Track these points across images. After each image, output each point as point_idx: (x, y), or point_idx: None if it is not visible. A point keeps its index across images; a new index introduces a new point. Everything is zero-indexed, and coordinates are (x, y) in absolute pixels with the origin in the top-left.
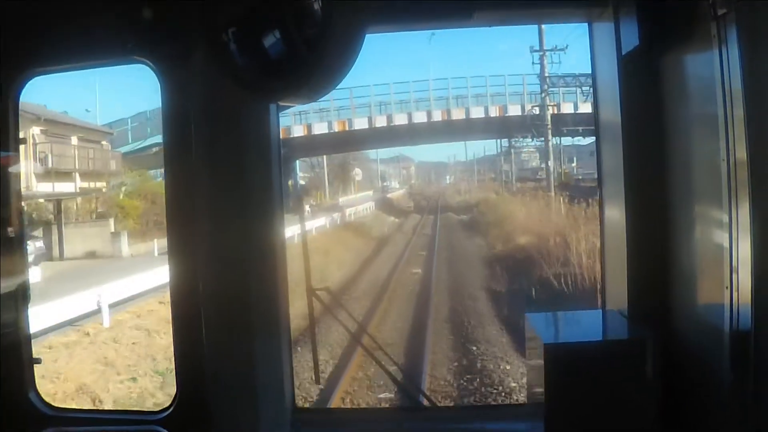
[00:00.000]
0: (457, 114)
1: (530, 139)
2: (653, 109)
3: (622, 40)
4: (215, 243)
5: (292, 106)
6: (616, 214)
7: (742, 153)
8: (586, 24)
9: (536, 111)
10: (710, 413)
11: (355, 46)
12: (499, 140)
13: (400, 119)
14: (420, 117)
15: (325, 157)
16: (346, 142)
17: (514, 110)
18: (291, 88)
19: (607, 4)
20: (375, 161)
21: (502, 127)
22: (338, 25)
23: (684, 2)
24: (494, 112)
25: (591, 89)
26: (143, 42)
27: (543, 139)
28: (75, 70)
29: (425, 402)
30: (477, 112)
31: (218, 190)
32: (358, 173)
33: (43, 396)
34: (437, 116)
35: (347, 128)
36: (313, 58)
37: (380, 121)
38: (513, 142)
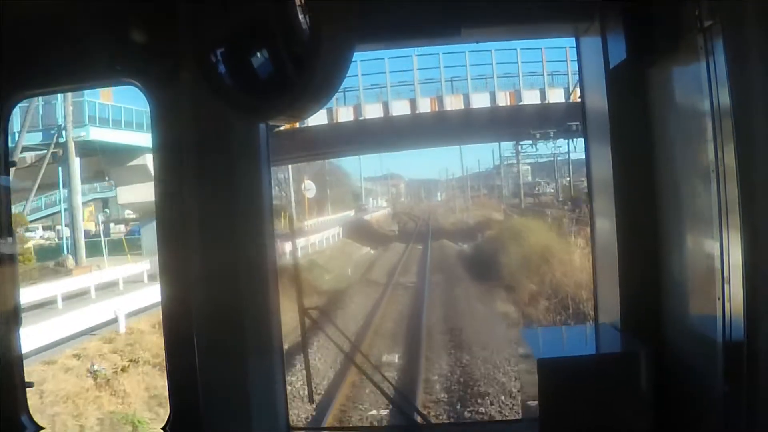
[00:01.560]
0: (453, 103)
1: (550, 139)
2: (642, 121)
3: (610, 54)
4: (206, 263)
5: (282, 125)
6: (607, 227)
7: (731, 163)
8: (574, 39)
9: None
10: (704, 425)
11: (343, 64)
12: (508, 142)
13: (372, 111)
14: (400, 107)
15: (291, 171)
16: (292, 145)
17: (530, 97)
18: (280, 108)
19: (593, 18)
20: (358, 178)
21: (515, 122)
22: (326, 43)
23: (670, 15)
24: (504, 100)
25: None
26: (132, 63)
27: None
28: (64, 92)
29: (419, 420)
30: (480, 100)
31: (208, 210)
32: (309, 188)
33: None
34: (424, 106)
35: (296, 125)
36: (301, 77)
37: (344, 114)
38: (521, 147)
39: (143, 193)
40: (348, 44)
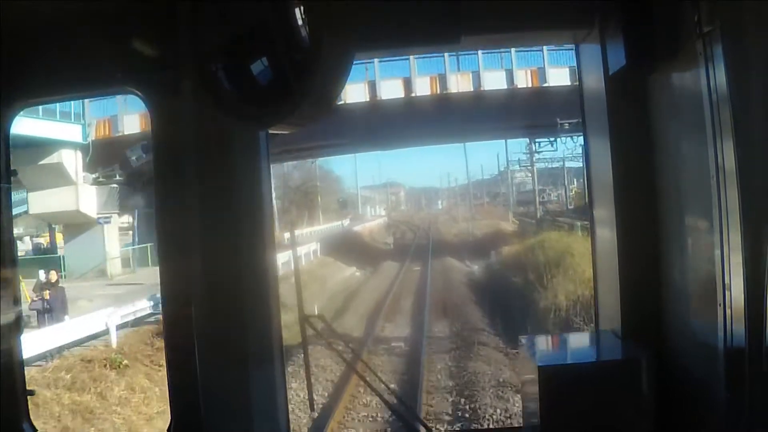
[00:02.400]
0: (459, 83)
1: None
2: (642, 128)
3: (609, 61)
4: (207, 271)
5: (283, 133)
6: (607, 234)
7: (731, 169)
8: (573, 46)
9: None
10: (706, 431)
11: (343, 71)
12: (526, 137)
13: (354, 93)
14: (391, 89)
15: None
16: None
17: (557, 77)
18: (280, 116)
19: (593, 25)
20: (354, 185)
21: (538, 108)
22: (326, 50)
23: (669, 21)
24: (524, 80)
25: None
26: (133, 72)
27: None
28: (65, 101)
29: (421, 428)
30: (493, 80)
31: (209, 218)
32: None
33: (37, 427)
34: (422, 87)
35: None
36: (301, 85)
37: None
38: (537, 144)
39: (62, 199)
40: (348, 51)
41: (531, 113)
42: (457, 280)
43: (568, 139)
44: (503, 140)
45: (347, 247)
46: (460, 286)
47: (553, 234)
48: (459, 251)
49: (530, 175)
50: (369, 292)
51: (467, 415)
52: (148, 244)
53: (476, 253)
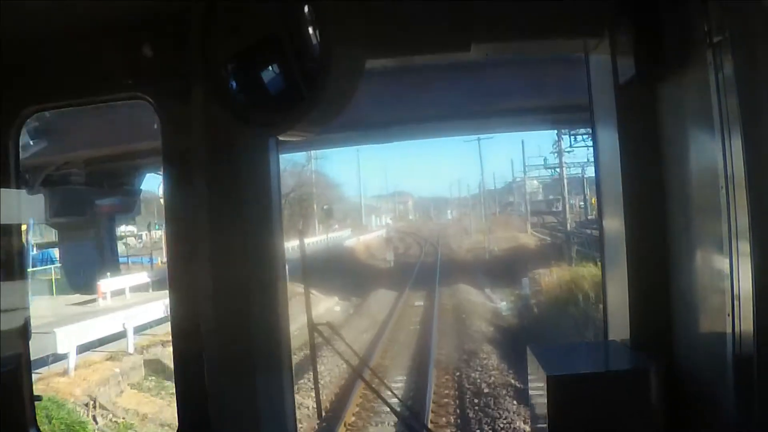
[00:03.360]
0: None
1: None
2: (651, 137)
3: (619, 71)
4: (216, 279)
5: (293, 140)
6: (617, 244)
7: (741, 179)
8: (583, 55)
9: None
10: None
11: (354, 79)
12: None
13: None
14: None
15: None
16: None
17: None
18: (291, 123)
19: (602, 35)
20: (358, 195)
21: (580, 84)
22: (337, 58)
23: (679, 30)
24: None
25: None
26: (143, 78)
27: None
28: (75, 106)
29: None
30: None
31: (218, 225)
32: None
33: None
34: None
35: None
36: (312, 92)
37: None
38: (573, 139)
39: None
40: (359, 58)
41: (569, 89)
42: (479, 331)
43: None
44: (527, 132)
45: (332, 268)
46: (485, 342)
47: None
48: (473, 272)
49: (559, 176)
50: (335, 355)
51: None
52: (52, 266)
53: (499, 277)
